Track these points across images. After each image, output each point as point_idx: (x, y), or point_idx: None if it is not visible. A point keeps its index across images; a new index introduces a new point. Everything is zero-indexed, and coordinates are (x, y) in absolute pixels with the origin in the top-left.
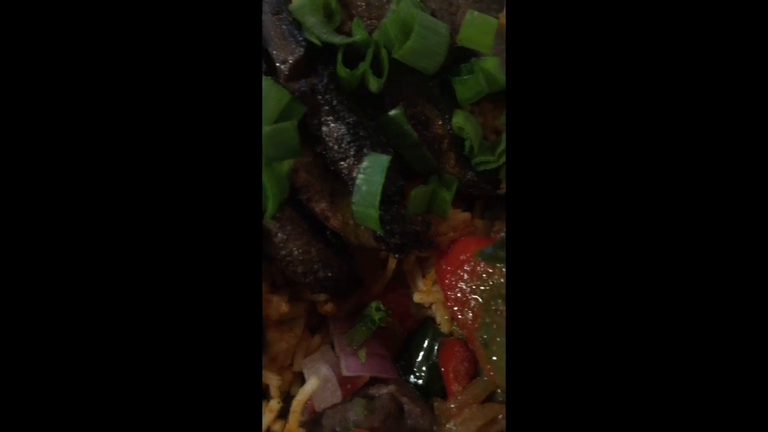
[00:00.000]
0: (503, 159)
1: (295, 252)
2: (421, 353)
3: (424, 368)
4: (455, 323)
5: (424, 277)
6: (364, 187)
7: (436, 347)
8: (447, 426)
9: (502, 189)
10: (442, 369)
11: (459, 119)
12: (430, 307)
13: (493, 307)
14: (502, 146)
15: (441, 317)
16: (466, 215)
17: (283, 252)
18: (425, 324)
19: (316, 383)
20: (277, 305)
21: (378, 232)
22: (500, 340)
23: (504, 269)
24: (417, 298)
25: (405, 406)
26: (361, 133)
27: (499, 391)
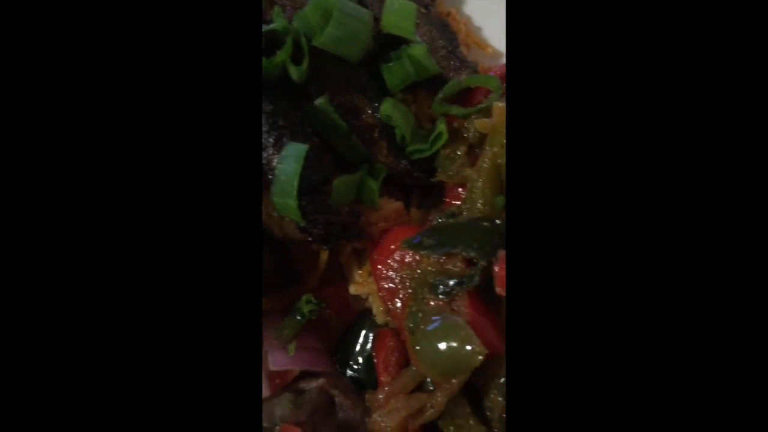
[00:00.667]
0: (437, 146)
1: None
2: (358, 345)
3: (360, 360)
4: (389, 313)
5: (360, 268)
6: (282, 177)
7: (371, 338)
8: (373, 417)
9: (437, 177)
10: (375, 360)
11: (387, 107)
12: (367, 299)
13: (420, 296)
14: (435, 134)
15: (377, 308)
16: (398, 205)
17: None
18: (362, 316)
19: None
20: None
21: (301, 223)
22: (424, 328)
23: (431, 257)
24: (353, 289)
25: (336, 398)
26: (279, 123)
27: (429, 380)
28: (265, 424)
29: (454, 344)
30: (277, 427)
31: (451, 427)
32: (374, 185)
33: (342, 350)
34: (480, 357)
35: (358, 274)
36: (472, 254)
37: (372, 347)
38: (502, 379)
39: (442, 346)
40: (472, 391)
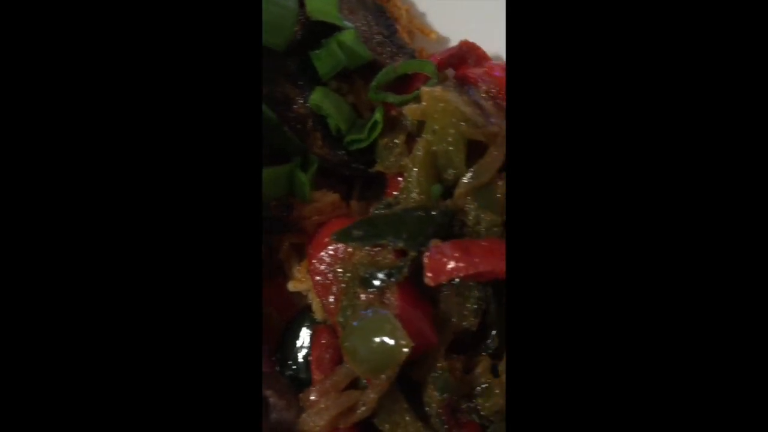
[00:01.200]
0: (373, 136)
1: None
2: (297, 343)
3: (299, 359)
4: (325, 309)
5: (300, 264)
6: None
7: (309, 336)
8: (302, 417)
9: (376, 167)
10: (311, 358)
11: (316, 96)
12: (307, 296)
13: (352, 290)
14: (371, 122)
15: (316, 305)
16: (335, 197)
17: None
18: (302, 313)
19: None
20: None
21: None
22: (353, 323)
23: (363, 250)
24: (291, 286)
25: (270, 399)
26: None
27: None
28: None
29: (381, 338)
30: None
31: (387, 425)
32: (304, 178)
33: (281, 350)
34: (405, 350)
35: (298, 270)
36: (401, 245)
37: (310, 345)
38: (443, 374)
39: (369, 340)
40: (411, 386)
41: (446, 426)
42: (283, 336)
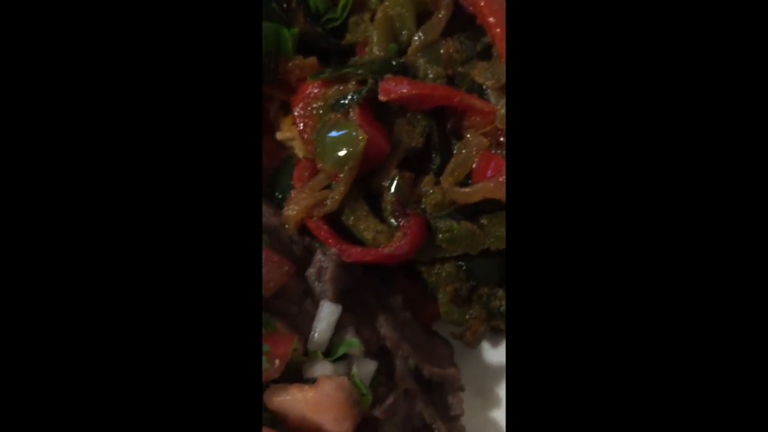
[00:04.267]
0: (345, 13)
1: None
2: (284, 181)
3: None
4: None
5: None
6: None
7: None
8: (283, 210)
9: (346, 40)
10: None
11: None
12: (292, 144)
13: (325, 117)
14: (342, 3)
15: (298, 146)
16: (313, 59)
17: None
18: (289, 158)
19: None
20: None
21: None
22: (324, 134)
23: (334, 88)
24: (279, 136)
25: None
26: None
27: (332, 184)
28: None
29: (343, 134)
30: None
31: (351, 219)
32: (288, 34)
33: (271, 188)
34: (362, 141)
35: (284, 123)
36: (362, 74)
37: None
38: (395, 179)
39: (335, 140)
40: (370, 198)
41: (398, 217)
42: (271, 178)
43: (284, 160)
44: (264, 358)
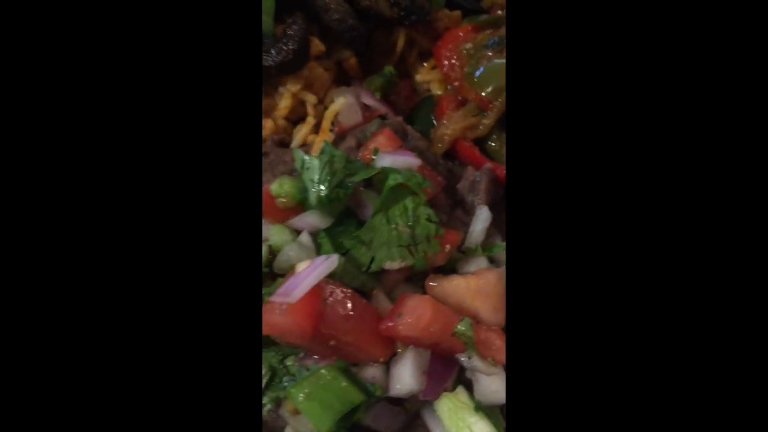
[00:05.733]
0: None
1: (332, 3)
2: (425, 112)
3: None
4: (448, 86)
5: (423, 66)
6: None
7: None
8: (436, 126)
9: (483, 3)
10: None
11: None
12: (429, 87)
13: (479, 53)
14: None
15: (436, 87)
16: (458, 12)
17: (326, 0)
18: (428, 97)
19: (343, 101)
20: (317, 45)
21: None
22: (480, 67)
23: (484, 31)
24: (419, 78)
25: (408, 131)
26: None
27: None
28: (358, 137)
29: (496, 67)
30: None
31: (497, 143)
32: None
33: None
34: None
35: (424, 68)
36: None
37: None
38: None
39: (488, 73)
40: None
41: None
42: (410, 115)
43: (421, 99)
44: (435, 242)
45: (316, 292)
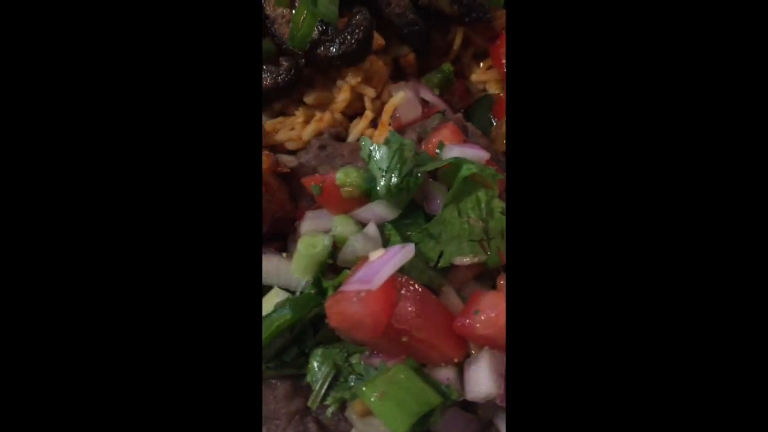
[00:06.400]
0: None
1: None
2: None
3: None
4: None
5: (479, 66)
6: None
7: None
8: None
9: None
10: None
11: None
12: (484, 87)
13: None
14: None
15: (493, 89)
16: None
17: None
18: (485, 96)
19: (403, 96)
20: (377, 38)
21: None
22: None
23: None
24: (474, 78)
25: (469, 128)
26: None
27: None
28: (418, 131)
29: None
30: None
31: None
32: None
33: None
34: None
35: (479, 69)
36: None
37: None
38: None
39: None
40: None
41: None
42: (467, 115)
43: (478, 98)
44: None
45: (392, 282)
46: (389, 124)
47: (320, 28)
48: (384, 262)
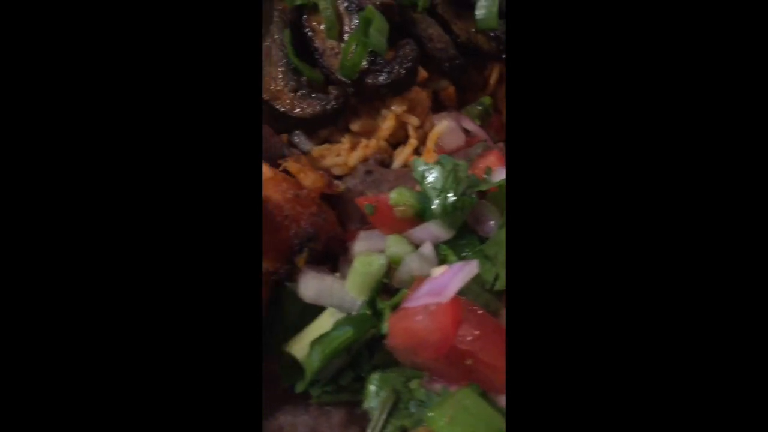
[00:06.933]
0: None
1: (435, 34)
2: None
3: None
4: None
5: None
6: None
7: None
8: None
9: None
10: None
11: None
12: None
13: None
14: None
15: None
16: None
17: (429, 32)
18: None
19: (446, 124)
20: (420, 71)
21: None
22: None
23: None
24: None
25: None
26: None
27: None
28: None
29: None
30: None
31: None
32: None
33: None
34: None
35: None
36: None
37: None
38: None
39: None
40: None
41: None
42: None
43: None
44: None
45: (457, 299)
46: (434, 152)
47: (369, 59)
48: (451, 276)
